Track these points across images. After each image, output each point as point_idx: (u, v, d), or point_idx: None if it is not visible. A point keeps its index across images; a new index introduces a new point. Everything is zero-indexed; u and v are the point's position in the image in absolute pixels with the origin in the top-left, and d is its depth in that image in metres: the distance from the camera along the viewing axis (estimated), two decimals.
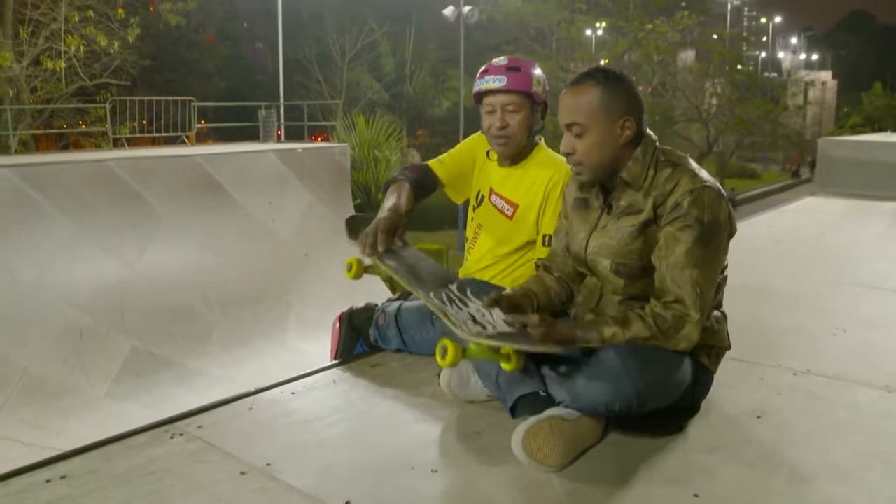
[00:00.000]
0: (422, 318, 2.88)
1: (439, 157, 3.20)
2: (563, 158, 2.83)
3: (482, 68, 2.92)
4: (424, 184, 3.07)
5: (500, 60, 2.89)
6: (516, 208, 2.94)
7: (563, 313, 2.48)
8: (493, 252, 3.00)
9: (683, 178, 2.16)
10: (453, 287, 2.36)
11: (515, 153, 2.93)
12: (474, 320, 2.14)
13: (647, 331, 2.11)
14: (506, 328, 2.13)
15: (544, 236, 2.87)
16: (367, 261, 2.68)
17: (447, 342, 2.05)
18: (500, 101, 2.85)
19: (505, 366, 2.10)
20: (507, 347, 2.07)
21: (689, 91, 32.49)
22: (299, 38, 29.62)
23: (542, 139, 3.00)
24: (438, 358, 2.06)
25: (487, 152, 3.09)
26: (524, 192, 2.92)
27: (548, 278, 2.47)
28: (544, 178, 2.88)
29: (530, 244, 2.93)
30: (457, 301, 2.25)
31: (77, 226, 6.89)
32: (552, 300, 2.43)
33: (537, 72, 2.90)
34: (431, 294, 2.27)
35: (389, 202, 2.85)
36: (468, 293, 2.31)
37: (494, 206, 3.00)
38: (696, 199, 2.13)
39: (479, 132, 3.08)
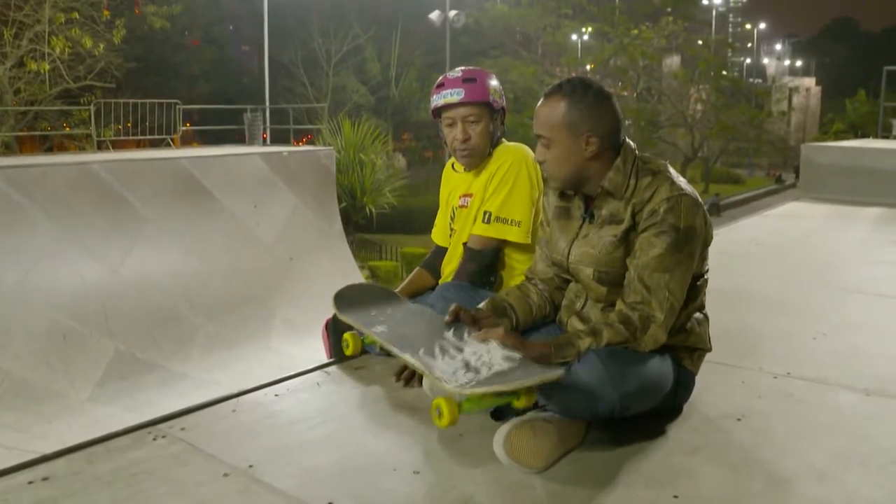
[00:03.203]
0: None
1: (436, 221, 3.26)
2: (523, 147, 2.90)
3: (437, 82, 2.93)
4: (432, 259, 3.19)
5: (455, 73, 2.90)
6: (471, 197, 2.97)
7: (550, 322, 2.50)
8: (461, 248, 3.01)
9: (662, 185, 2.18)
10: (449, 334, 2.27)
11: (480, 162, 2.94)
12: (467, 367, 2.06)
13: (619, 336, 2.12)
14: (503, 364, 2.05)
15: (485, 213, 2.88)
16: (362, 335, 2.76)
17: (441, 401, 1.99)
18: (459, 114, 2.87)
19: (516, 403, 2.03)
20: (501, 389, 1.97)
21: (675, 96, 32.70)
22: (285, 42, 29.56)
23: (504, 140, 3.02)
24: (435, 419, 2.00)
25: (452, 165, 3.11)
26: (480, 182, 2.95)
27: (532, 291, 2.48)
28: (496, 165, 2.90)
29: None
30: (451, 350, 2.17)
31: (61, 228, 6.84)
32: (533, 314, 2.45)
33: (493, 81, 2.92)
34: (421, 352, 2.20)
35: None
36: (465, 336, 2.23)
37: (462, 207, 3.02)
38: (672, 207, 2.15)
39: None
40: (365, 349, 3.01)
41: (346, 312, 2.76)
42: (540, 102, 2.28)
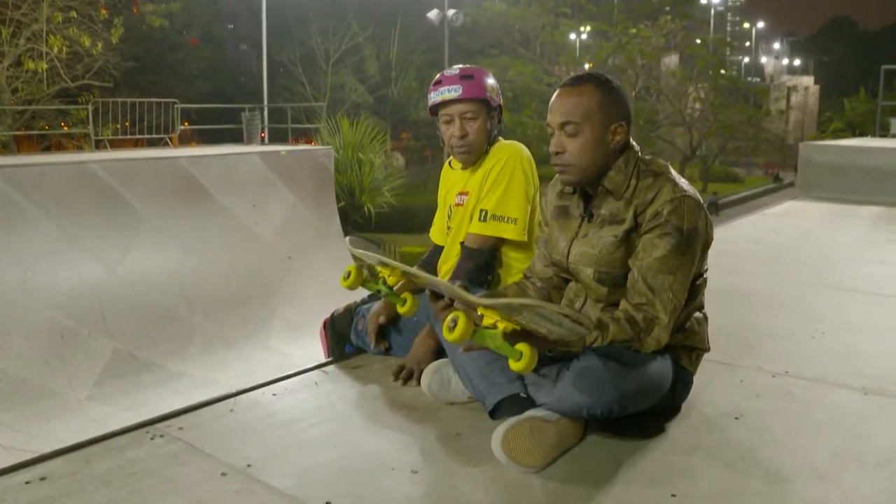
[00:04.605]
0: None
1: (434, 220, 3.25)
2: (518, 145, 2.89)
3: (435, 80, 2.94)
4: (430, 258, 3.19)
5: (452, 70, 2.91)
6: (468, 195, 2.97)
7: None
8: (458, 247, 3.01)
9: (664, 187, 2.18)
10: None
11: (477, 159, 2.94)
12: None
13: (624, 334, 2.12)
14: None
15: (481, 211, 2.88)
16: (367, 273, 2.71)
17: (460, 313, 1.92)
18: (457, 111, 2.87)
19: (513, 365, 1.93)
20: (521, 345, 1.91)
21: (673, 95, 32.64)
22: (283, 41, 29.51)
23: (501, 138, 3.02)
24: (446, 331, 1.92)
25: (450, 163, 3.11)
26: (476, 179, 2.95)
27: (529, 288, 2.47)
28: (491, 163, 2.90)
29: None
30: None
31: (59, 228, 6.82)
32: None
33: (490, 79, 2.93)
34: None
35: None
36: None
37: (458, 205, 3.02)
38: (675, 208, 2.15)
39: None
40: (361, 348, 3.01)
41: (360, 247, 2.70)
42: (563, 91, 2.25)
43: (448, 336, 1.92)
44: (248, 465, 2.10)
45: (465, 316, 1.92)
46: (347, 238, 2.81)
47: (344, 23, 30.83)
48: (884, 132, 13.29)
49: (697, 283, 2.31)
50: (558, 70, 30.13)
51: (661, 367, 2.21)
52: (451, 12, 24.45)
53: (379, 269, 2.66)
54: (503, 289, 2.47)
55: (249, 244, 8.36)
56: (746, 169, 46.58)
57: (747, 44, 60.08)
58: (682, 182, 2.23)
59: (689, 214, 2.16)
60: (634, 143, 2.29)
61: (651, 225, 2.18)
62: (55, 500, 1.93)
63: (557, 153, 2.26)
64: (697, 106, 33.78)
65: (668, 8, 31.89)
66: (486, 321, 1.96)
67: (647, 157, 2.30)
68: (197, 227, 7.90)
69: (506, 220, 2.84)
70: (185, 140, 16.62)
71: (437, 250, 3.18)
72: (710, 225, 2.25)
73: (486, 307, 1.93)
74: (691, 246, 2.18)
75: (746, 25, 64.58)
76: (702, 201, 2.23)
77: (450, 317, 1.93)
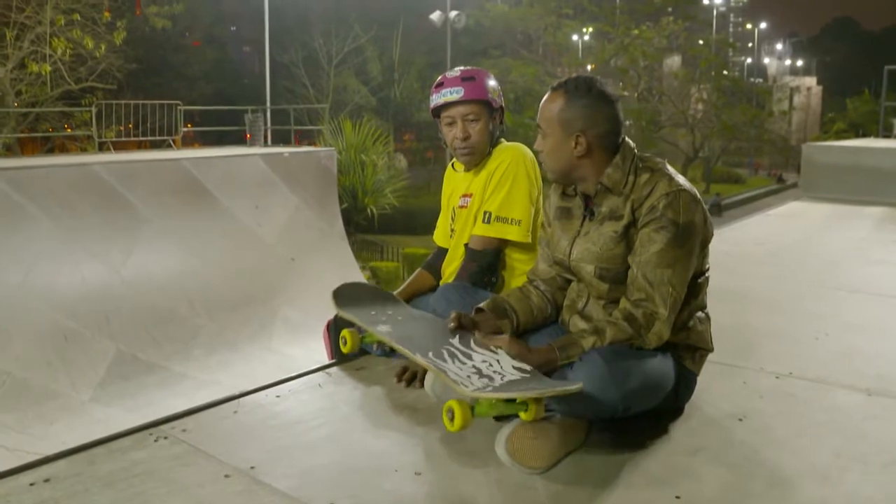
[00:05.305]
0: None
1: (437, 222, 3.27)
2: (520, 146, 2.92)
3: (436, 82, 2.95)
4: (434, 260, 3.19)
5: (454, 72, 2.92)
6: (471, 197, 2.97)
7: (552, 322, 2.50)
8: (462, 249, 3.01)
9: (660, 182, 2.19)
10: (455, 341, 2.28)
11: (480, 160, 2.95)
12: (480, 374, 2.07)
13: (623, 334, 2.13)
14: (515, 374, 2.07)
15: (485, 213, 2.88)
16: (361, 333, 2.72)
17: (454, 403, 1.96)
18: (459, 112, 2.88)
19: (523, 416, 1.99)
20: (522, 397, 1.96)
21: (675, 96, 32.63)
22: (286, 42, 29.55)
23: (503, 140, 3.02)
24: (446, 422, 1.97)
25: (452, 165, 3.12)
26: (479, 181, 2.95)
27: (533, 293, 2.48)
28: (494, 165, 2.91)
29: None
30: (459, 355, 2.19)
31: (62, 229, 6.84)
32: (535, 317, 2.44)
33: (492, 80, 2.94)
34: (430, 354, 2.21)
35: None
36: (471, 345, 2.25)
37: (462, 207, 3.02)
38: (671, 202, 2.16)
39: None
40: (364, 348, 3.01)
41: (347, 309, 2.75)
42: (547, 94, 2.31)
43: (450, 428, 1.96)
44: (252, 467, 2.10)
45: (459, 403, 1.96)
46: (332, 296, 2.81)
47: (346, 24, 30.85)
48: (887, 133, 13.27)
49: (699, 281, 2.31)
50: (560, 71, 30.12)
51: (664, 367, 2.21)
52: (453, 14, 24.46)
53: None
54: (506, 294, 2.47)
55: (252, 245, 8.38)
56: (749, 170, 46.56)
57: (750, 44, 60.03)
58: (679, 177, 2.24)
59: (684, 208, 2.17)
60: (630, 141, 2.30)
61: (647, 219, 2.19)
62: (59, 501, 1.94)
63: (538, 152, 2.35)
64: (700, 107, 33.78)
65: (670, 9, 31.88)
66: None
67: (643, 154, 2.31)
68: (200, 228, 7.92)
69: (509, 221, 2.84)
70: (188, 142, 16.65)
71: (441, 252, 3.18)
72: (708, 220, 2.26)
73: (475, 395, 1.96)
74: (688, 239, 2.18)
75: (749, 26, 64.58)
76: (698, 196, 2.24)
77: (445, 408, 1.97)
